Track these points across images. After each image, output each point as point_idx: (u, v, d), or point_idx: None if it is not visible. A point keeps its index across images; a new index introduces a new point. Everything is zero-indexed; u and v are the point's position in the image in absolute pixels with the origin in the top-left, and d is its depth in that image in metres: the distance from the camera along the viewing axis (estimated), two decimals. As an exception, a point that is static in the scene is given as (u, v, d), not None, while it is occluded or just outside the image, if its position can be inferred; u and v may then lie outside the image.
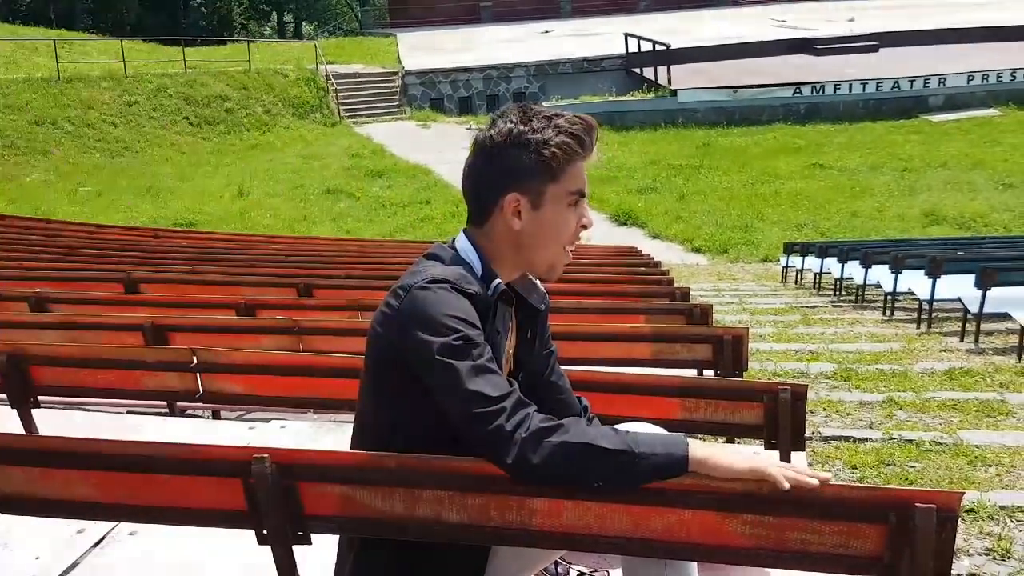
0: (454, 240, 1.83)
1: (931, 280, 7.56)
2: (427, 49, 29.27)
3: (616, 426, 1.69)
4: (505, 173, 1.75)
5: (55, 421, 3.34)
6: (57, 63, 22.07)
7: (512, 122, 1.75)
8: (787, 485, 1.53)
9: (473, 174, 1.80)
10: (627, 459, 1.55)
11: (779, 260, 13.62)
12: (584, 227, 1.79)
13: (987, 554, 3.15)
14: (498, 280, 1.76)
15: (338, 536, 1.87)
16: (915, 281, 8.05)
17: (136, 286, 5.44)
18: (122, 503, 1.89)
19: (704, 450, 1.57)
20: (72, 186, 18.15)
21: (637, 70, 25.66)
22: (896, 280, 8.38)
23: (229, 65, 25.68)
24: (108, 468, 1.85)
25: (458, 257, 1.78)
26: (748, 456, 1.59)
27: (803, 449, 2.43)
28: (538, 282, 1.91)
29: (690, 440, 1.60)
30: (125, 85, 22.55)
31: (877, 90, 24.06)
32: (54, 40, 23.85)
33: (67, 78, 21.95)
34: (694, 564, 1.78)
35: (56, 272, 6.17)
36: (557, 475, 1.58)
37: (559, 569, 2.21)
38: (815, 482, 1.53)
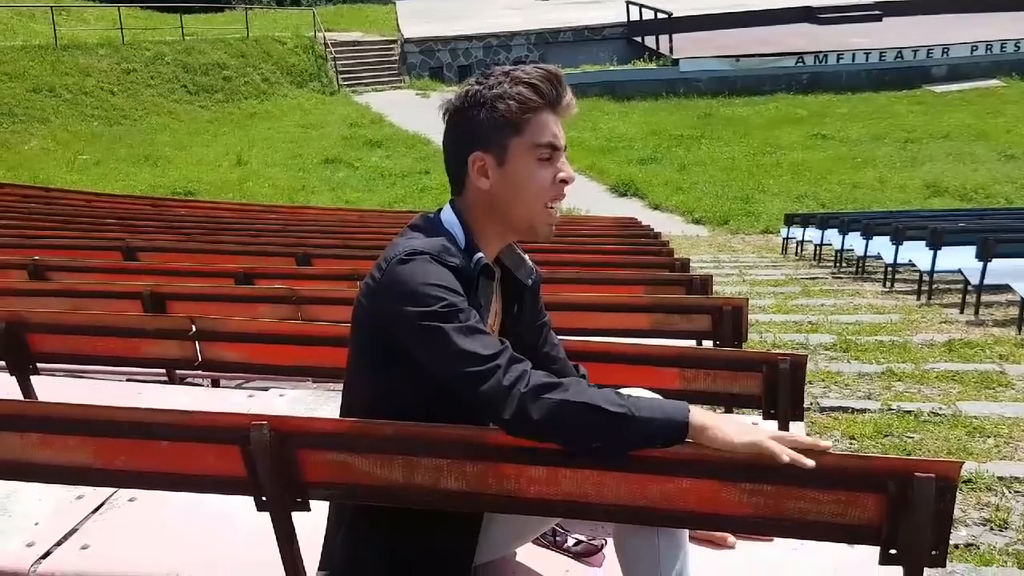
0: (440, 211, 1.81)
1: (932, 252, 7.56)
2: (426, 17, 28.99)
3: (618, 390, 1.68)
4: (468, 134, 1.73)
5: (54, 388, 3.34)
6: (55, 30, 21.91)
7: (471, 83, 1.73)
8: (786, 459, 1.51)
9: (445, 143, 1.78)
10: (627, 421, 1.54)
11: (780, 231, 13.60)
12: (564, 182, 1.74)
13: (984, 524, 3.17)
14: (480, 254, 1.73)
15: (328, 506, 1.87)
16: (916, 253, 8.04)
17: (135, 254, 5.43)
18: (121, 469, 1.89)
19: (704, 418, 1.56)
20: (70, 154, 18.07)
21: (638, 39, 25.47)
22: (897, 252, 8.38)
23: (227, 32, 25.43)
24: (107, 434, 1.85)
25: (441, 228, 1.76)
26: (747, 428, 1.57)
27: (802, 419, 2.43)
28: (527, 257, 1.89)
29: (692, 407, 1.58)
30: (123, 52, 22.40)
31: (880, 60, 23.91)
32: (51, 7, 23.59)
33: (64, 45, 21.79)
34: (685, 532, 1.78)
35: (55, 240, 6.15)
36: (555, 432, 1.56)
37: (557, 538, 2.21)
38: (811, 463, 1.50)
